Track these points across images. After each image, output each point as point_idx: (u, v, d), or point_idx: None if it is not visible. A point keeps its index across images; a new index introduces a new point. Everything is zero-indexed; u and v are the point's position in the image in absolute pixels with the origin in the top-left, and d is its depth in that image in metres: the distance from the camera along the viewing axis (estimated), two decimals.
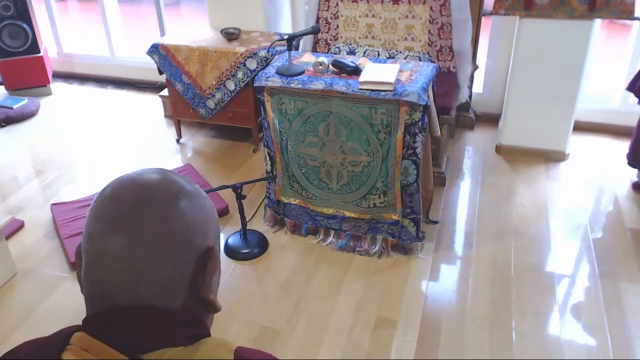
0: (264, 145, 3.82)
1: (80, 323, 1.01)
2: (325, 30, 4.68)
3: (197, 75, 4.80)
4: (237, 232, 3.88)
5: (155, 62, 4.94)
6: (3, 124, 5.64)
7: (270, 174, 3.88)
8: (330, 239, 3.83)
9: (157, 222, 0.98)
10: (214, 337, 1.04)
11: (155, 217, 0.98)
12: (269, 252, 3.79)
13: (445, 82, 4.34)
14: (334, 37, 4.67)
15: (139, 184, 1.02)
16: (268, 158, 3.83)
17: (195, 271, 1.02)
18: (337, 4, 4.56)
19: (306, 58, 3.80)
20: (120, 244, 0.96)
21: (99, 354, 0.94)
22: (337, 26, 4.62)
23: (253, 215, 4.12)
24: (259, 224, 4.04)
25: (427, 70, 3.50)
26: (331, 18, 4.62)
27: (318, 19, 4.66)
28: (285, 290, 3.46)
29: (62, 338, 0.98)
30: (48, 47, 6.65)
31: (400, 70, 3.46)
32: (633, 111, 4.55)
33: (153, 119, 5.74)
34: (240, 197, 3.65)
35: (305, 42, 4.78)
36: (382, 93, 3.24)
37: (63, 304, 3.41)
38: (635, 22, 4.67)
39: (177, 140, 5.26)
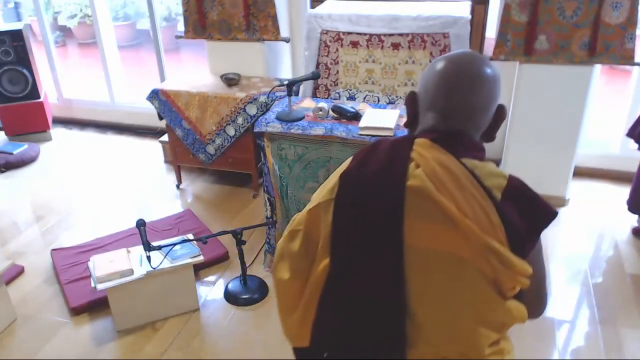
0: (264, 191, 3.82)
1: None
2: (326, 76, 4.71)
3: (197, 121, 4.82)
4: (237, 277, 3.87)
5: (155, 107, 4.98)
6: (3, 169, 5.65)
7: (270, 219, 3.87)
8: None
9: (488, 78, 1.56)
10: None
11: (486, 73, 1.56)
12: (269, 298, 3.76)
13: None
14: (334, 82, 4.70)
15: (465, 54, 1.62)
16: (268, 203, 3.83)
17: (490, 120, 1.62)
18: (337, 50, 4.60)
19: (306, 103, 3.83)
20: (465, 83, 1.56)
21: (436, 154, 1.52)
22: (337, 72, 4.66)
23: (253, 261, 4.10)
24: (259, 270, 4.02)
25: None
26: (331, 63, 4.66)
27: (318, 64, 4.69)
28: None
29: (410, 141, 1.58)
30: (48, 92, 6.68)
31: (401, 116, 3.49)
32: (633, 157, 4.56)
33: (153, 164, 5.75)
34: (240, 243, 3.65)
35: (306, 87, 4.82)
36: None
37: (63, 349, 3.38)
38: (635, 67, 4.70)
39: (177, 186, 5.26)
